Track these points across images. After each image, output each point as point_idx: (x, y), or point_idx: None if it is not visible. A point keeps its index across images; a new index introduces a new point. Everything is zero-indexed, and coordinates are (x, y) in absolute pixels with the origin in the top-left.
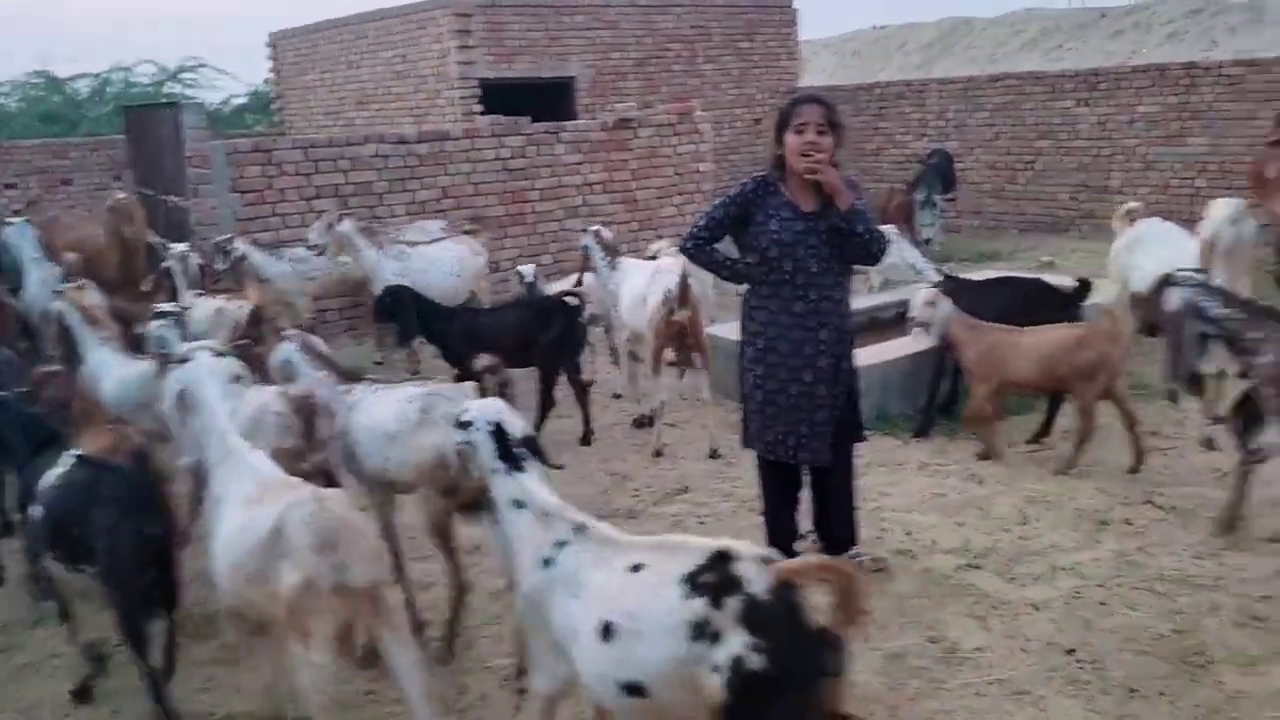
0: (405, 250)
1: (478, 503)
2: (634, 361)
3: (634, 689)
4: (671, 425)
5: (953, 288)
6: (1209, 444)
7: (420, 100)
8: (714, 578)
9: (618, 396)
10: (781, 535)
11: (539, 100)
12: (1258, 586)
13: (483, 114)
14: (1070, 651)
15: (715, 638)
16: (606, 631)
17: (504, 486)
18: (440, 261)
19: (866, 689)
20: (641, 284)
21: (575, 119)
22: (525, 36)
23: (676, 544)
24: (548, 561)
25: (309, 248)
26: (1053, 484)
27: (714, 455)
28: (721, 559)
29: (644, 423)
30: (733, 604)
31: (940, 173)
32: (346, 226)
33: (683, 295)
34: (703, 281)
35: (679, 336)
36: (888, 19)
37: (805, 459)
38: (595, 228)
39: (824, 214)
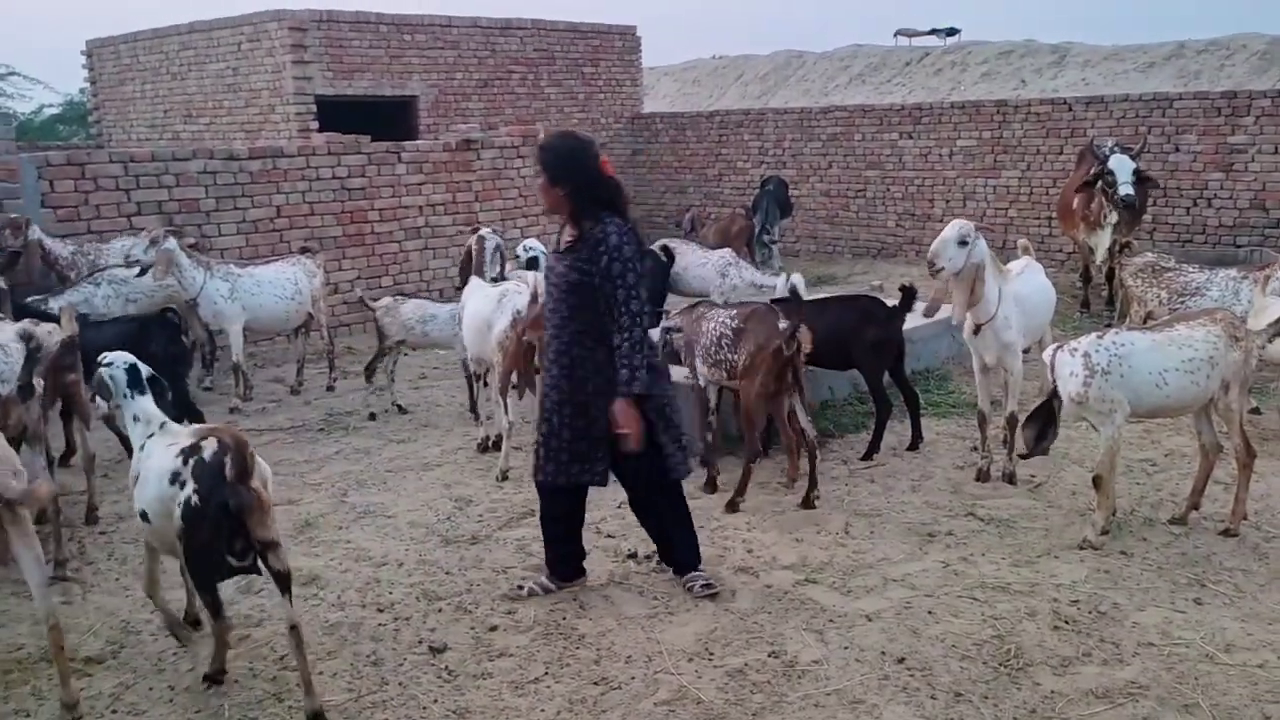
0: (234, 271)
1: None
2: (477, 383)
3: (144, 515)
4: (517, 449)
5: (786, 309)
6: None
7: (253, 115)
8: (191, 448)
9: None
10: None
11: (379, 119)
12: (1069, 591)
13: (320, 131)
14: (901, 660)
15: (182, 485)
16: (137, 480)
17: (129, 407)
18: (273, 284)
19: (710, 707)
20: (486, 307)
21: (417, 138)
22: (365, 53)
23: (195, 430)
24: (143, 447)
25: (130, 264)
26: (883, 499)
27: None
28: (204, 437)
29: (488, 447)
30: (193, 462)
31: (776, 199)
32: (170, 244)
33: (535, 318)
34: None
35: (527, 358)
36: (725, 49)
37: (586, 480)
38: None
39: (565, 252)
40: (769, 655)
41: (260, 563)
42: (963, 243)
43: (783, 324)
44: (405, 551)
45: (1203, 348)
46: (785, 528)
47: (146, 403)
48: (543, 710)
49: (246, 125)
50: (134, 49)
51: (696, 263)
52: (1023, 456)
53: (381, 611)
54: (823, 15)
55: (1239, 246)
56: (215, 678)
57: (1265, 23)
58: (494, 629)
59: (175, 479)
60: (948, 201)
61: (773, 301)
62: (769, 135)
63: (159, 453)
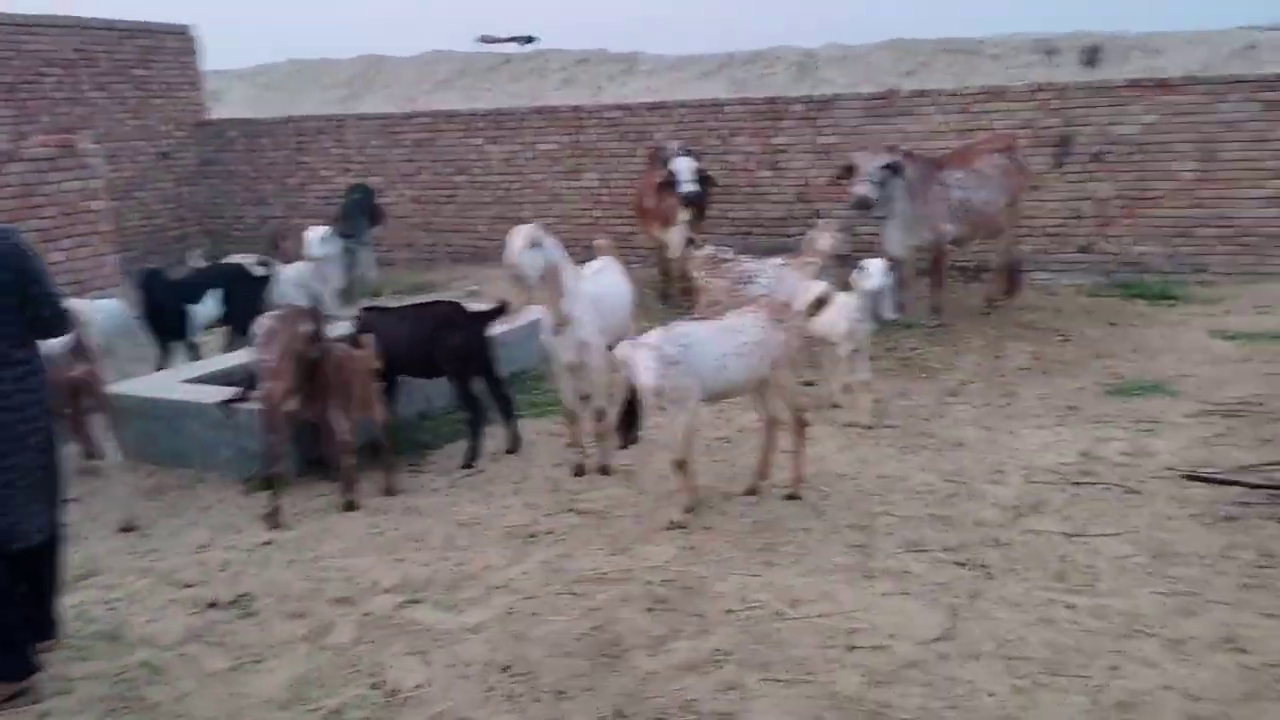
0: None
1: None
2: None
3: None
4: (73, 499)
5: (371, 317)
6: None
7: None
8: None
9: None
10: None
11: None
12: (660, 572)
13: None
14: (506, 668)
15: None
16: None
17: None
18: None
19: None
20: None
21: None
22: None
23: None
24: None
25: None
26: (485, 505)
27: (128, 529)
28: None
29: None
30: None
31: (363, 208)
32: None
33: (79, 349)
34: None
35: (74, 395)
36: (302, 53)
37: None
38: None
39: None
40: (370, 688)
41: None
42: (534, 245)
43: (303, 326)
44: None
45: (752, 332)
46: (385, 548)
47: None
48: None
49: None
50: None
51: (283, 278)
52: (620, 448)
53: None
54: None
55: (789, 236)
56: None
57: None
58: (45, 716)
59: None
60: (535, 204)
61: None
62: (351, 141)
63: None
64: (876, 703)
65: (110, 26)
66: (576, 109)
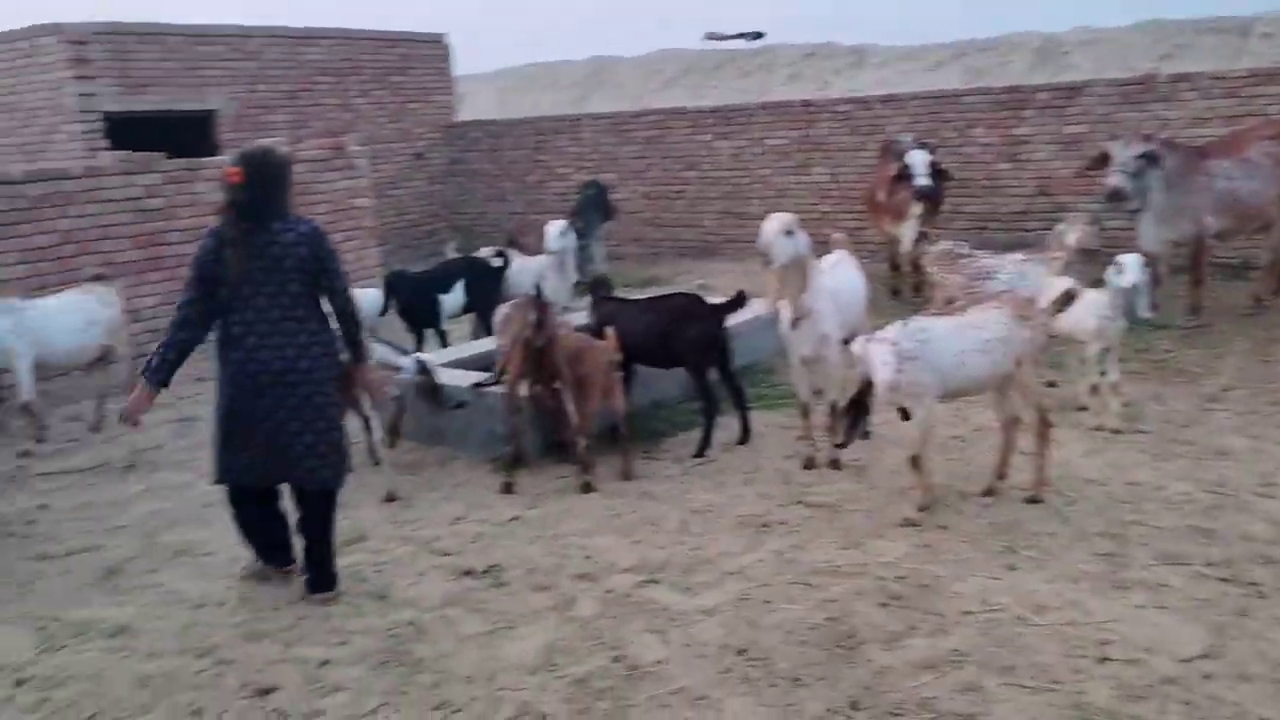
0: (16, 304)
1: None
2: None
3: None
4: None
5: (612, 309)
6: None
7: (33, 136)
8: None
9: None
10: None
11: (175, 134)
12: (893, 569)
13: (112, 149)
14: (741, 651)
15: None
16: None
17: None
18: (62, 315)
19: (555, 719)
20: None
21: (217, 154)
22: (157, 66)
23: None
24: None
25: None
26: (718, 494)
27: (391, 499)
28: None
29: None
30: None
31: (596, 203)
32: None
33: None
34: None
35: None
36: (539, 57)
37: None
38: None
39: None
40: (612, 660)
41: None
42: (788, 233)
43: (529, 315)
44: (226, 590)
45: (995, 329)
46: (623, 530)
47: None
48: None
49: (26, 146)
50: None
51: (517, 269)
52: (840, 445)
53: (201, 657)
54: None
55: (1028, 231)
56: None
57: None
58: (325, 663)
59: None
60: (763, 199)
61: (597, 298)
62: (586, 140)
63: None
64: (1129, 717)
65: (374, 37)
66: (807, 103)
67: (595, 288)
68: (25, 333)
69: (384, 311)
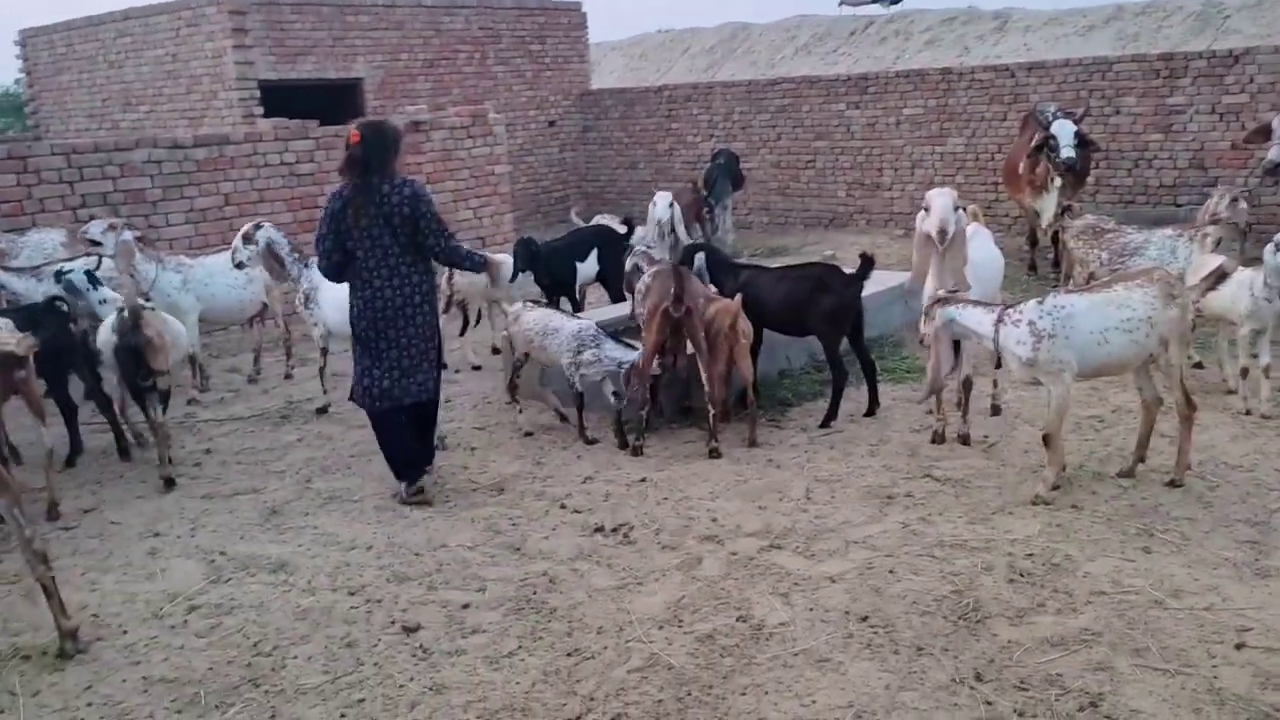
0: (185, 262)
1: None
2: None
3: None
4: (481, 429)
5: (748, 277)
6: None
7: (195, 102)
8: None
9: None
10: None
11: (326, 102)
12: (1023, 546)
13: (265, 116)
14: (864, 618)
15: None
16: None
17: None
18: (225, 273)
19: (682, 672)
20: None
21: None
22: (308, 36)
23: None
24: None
25: (71, 259)
26: (843, 464)
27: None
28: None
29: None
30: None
31: (727, 172)
32: (128, 235)
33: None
34: (503, 283)
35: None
36: (671, 23)
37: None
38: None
39: None
40: (737, 620)
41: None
42: (956, 207)
43: (671, 287)
44: (374, 534)
45: (1140, 307)
46: (748, 496)
47: (106, 291)
48: (518, 683)
49: (189, 112)
50: (69, 38)
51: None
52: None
53: (353, 594)
54: None
55: (1179, 206)
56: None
57: None
58: (466, 606)
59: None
60: (896, 170)
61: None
62: (717, 108)
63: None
64: (1270, 705)
65: (514, 6)
66: (946, 71)
67: (688, 257)
68: (193, 289)
69: (514, 278)
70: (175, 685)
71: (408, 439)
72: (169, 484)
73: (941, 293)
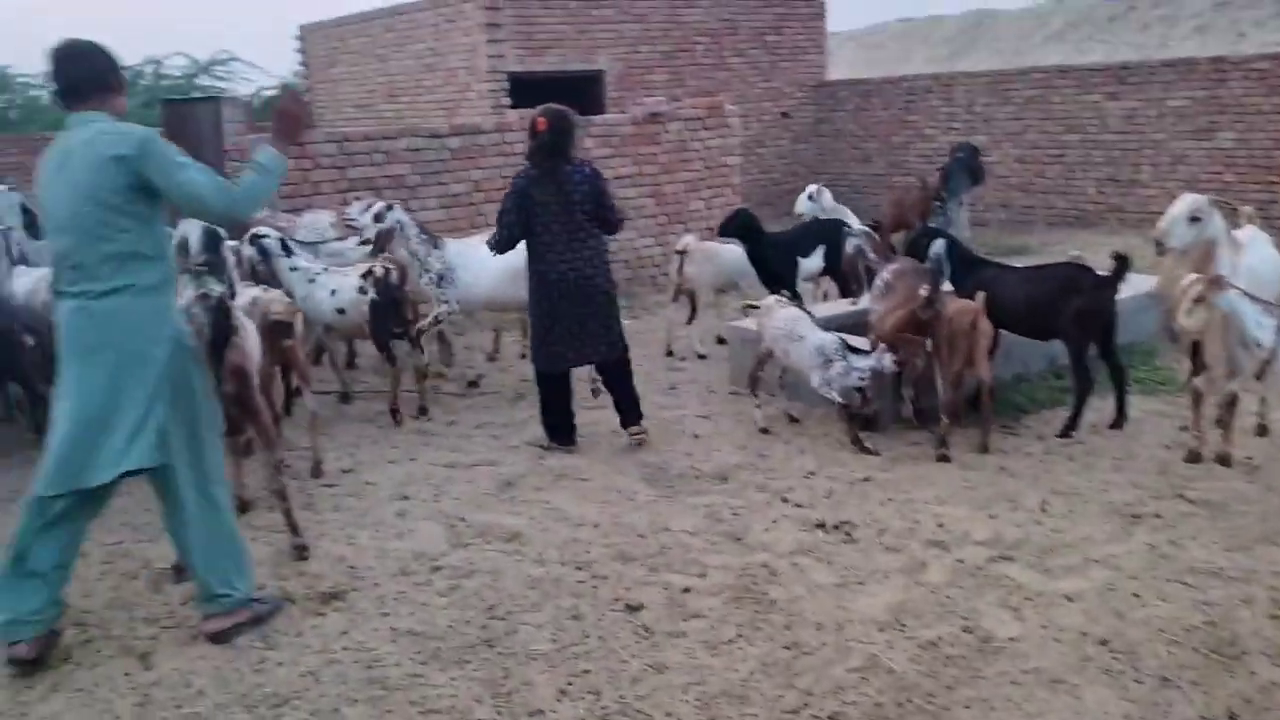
0: (449, 244)
1: None
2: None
3: (340, 311)
4: (705, 418)
5: (991, 276)
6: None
7: (450, 94)
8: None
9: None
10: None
11: (567, 94)
12: None
13: (511, 107)
14: (1104, 642)
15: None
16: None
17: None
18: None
19: (903, 677)
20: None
21: (604, 113)
22: (554, 30)
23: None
24: (312, 281)
25: (339, 239)
26: (1084, 478)
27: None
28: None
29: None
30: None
31: (967, 167)
32: (402, 216)
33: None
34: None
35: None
36: (911, 12)
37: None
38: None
39: None
40: (962, 630)
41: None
42: (1194, 219)
43: (921, 287)
44: (600, 513)
45: None
46: (977, 503)
47: (298, 259)
48: (736, 670)
49: (444, 104)
50: (342, 33)
51: None
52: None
53: (580, 569)
54: None
55: None
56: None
57: None
58: (686, 590)
59: (361, 289)
60: (1156, 166)
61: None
62: (959, 100)
63: (333, 280)
64: None
65: None
66: (1218, 60)
67: (922, 243)
68: (449, 270)
69: (721, 236)
70: (419, 639)
71: (567, 402)
72: (397, 418)
73: (1217, 274)
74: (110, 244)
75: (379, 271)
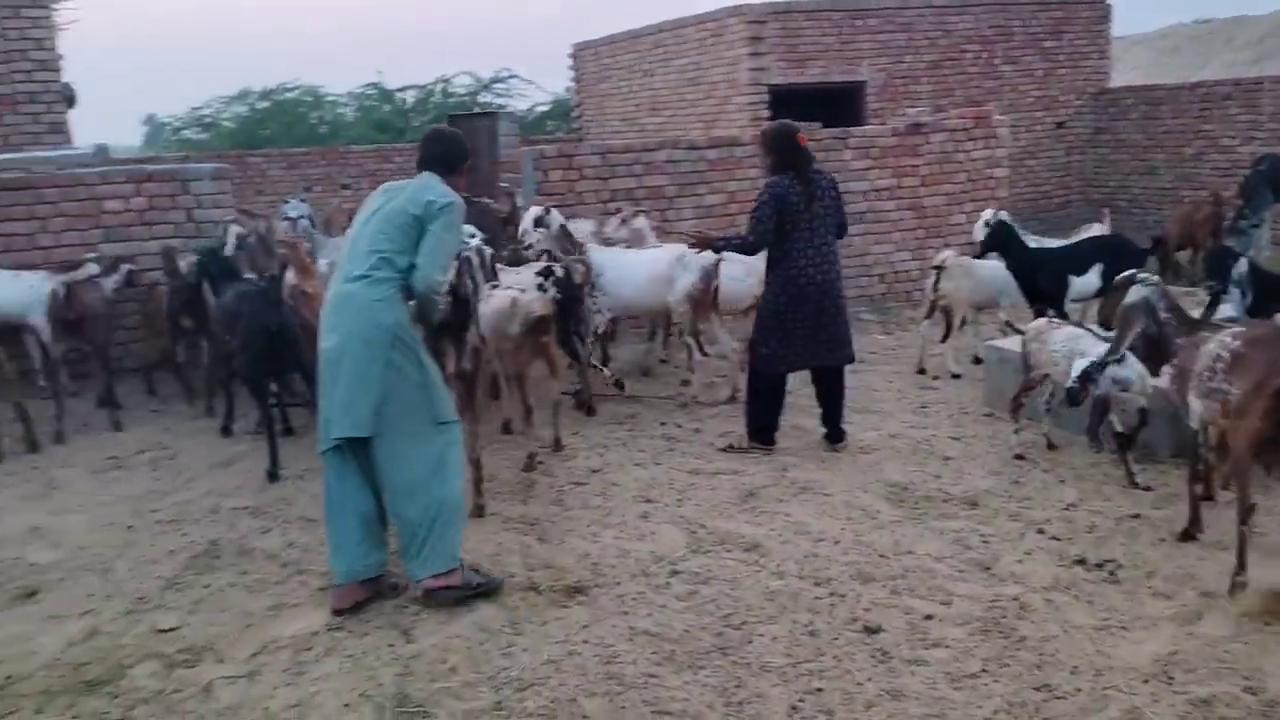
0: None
1: None
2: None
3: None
4: (956, 439)
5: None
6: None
7: (709, 107)
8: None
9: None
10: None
11: (826, 106)
12: None
13: (770, 119)
14: None
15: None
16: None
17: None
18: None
19: None
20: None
21: (863, 124)
22: (818, 42)
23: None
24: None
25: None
26: None
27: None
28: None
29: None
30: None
31: (1268, 180)
32: (641, 222)
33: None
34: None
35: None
36: (1211, 13)
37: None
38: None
39: None
40: (1243, 690)
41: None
42: None
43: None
44: (841, 530)
45: None
46: (1270, 552)
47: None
48: (980, 707)
49: (704, 116)
50: (612, 50)
51: None
52: None
53: (818, 585)
54: None
55: None
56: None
57: None
58: (929, 617)
59: (541, 287)
60: None
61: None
62: (1264, 108)
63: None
64: None
65: (1030, 1)
66: None
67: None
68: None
69: (980, 255)
70: (656, 640)
71: (778, 405)
72: (589, 410)
73: None
74: None
75: (559, 271)
